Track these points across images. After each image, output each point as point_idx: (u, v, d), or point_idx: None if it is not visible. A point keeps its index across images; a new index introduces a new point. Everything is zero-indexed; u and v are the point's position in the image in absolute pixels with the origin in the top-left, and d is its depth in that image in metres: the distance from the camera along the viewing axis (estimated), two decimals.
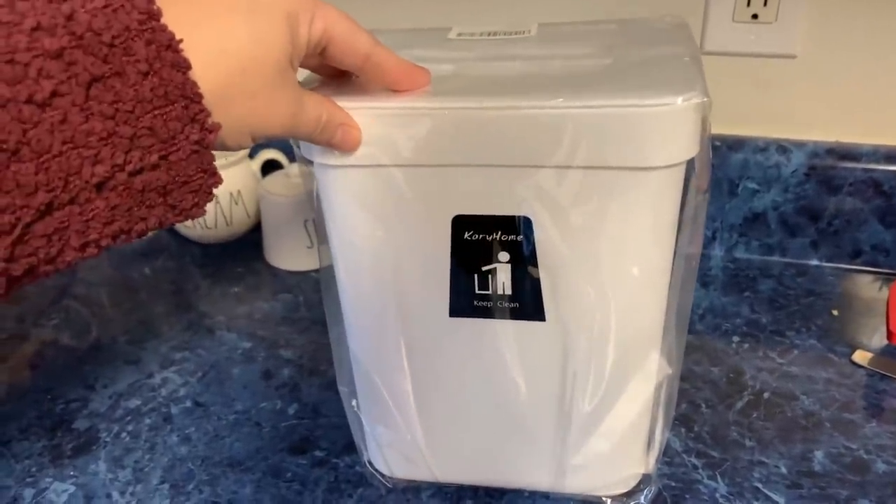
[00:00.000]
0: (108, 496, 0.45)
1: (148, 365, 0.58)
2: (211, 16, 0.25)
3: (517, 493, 0.45)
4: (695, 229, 0.36)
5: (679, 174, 0.34)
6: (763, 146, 0.65)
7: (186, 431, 0.50)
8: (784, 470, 0.46)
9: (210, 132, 0.25)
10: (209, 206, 0.71)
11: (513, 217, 0.34)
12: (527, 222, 0.34)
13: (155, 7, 0.24)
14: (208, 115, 0.25)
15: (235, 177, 0.73)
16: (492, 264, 0.36)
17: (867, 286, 0.65)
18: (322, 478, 0.46)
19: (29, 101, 0.21)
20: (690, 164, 0.34)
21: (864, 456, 0.47)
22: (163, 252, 0.74)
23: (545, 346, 0.38)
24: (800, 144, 0.64)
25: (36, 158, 0.21)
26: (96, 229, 0.24)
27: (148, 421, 0.52)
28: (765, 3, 0.61)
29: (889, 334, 0.55)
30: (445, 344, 0.39)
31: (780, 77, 0.64)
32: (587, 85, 0.33)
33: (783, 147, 0.65)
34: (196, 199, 0.27)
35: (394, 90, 0.33)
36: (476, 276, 0.36)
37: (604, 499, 0.44)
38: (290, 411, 0.52)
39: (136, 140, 0.23)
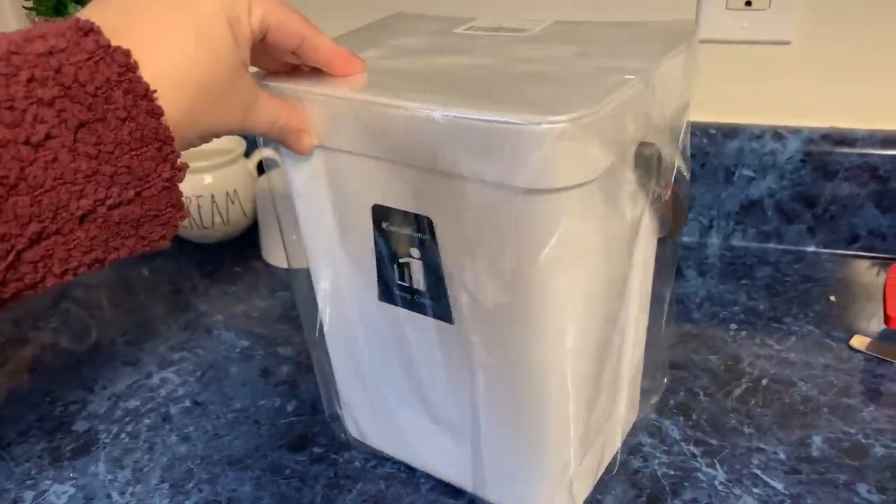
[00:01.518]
0: (108, 497, 0.45)
1: (146, 365, 0.58)
2: (165, 40, 0.28)
3: None
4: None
5: (562, 201, 0.30)
6: (758, 133, 0.65)
7: (185, 431, 0.51)
8: (783, 456, 0.46)
9: (179, 170, 0.28)
10: (206, 205, 0.72)
11: (418, 216, 0.35)
12: (429, 223, 0.34)
13: (132, 60, 0.26)
14: (178, 155, 0.28)
15: (231, 176, 0.73)
16: (406, 258, 0.37)
17: (864, 271, 0.65)
18: (321, 474, 0.46)
19: (26, 142, 0.24)
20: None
21: (863, 440, 0.47)
22: (160, 252, 0.74)
23: (454, 347, 0.37)
24: (795, 131, 0.64)
25: (31, 192, 0.24)
26: (76, 257, 0.27)
27: (147, 421, 0.52)
28: None
29: (886, 318, 0.55)
30: (377, 324, 0.41)
31: (774, 64, 0.64)
32: (491, 92, 0.32)
33: (778, 134, 0.64)
34: (164, 231, 0.29)
35: (329, 73, 0.35)
36: (395, 266, 0.37)
37: None
38: (289, 408, 0.52)
39: (116, 177, 0.26)
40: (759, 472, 0.45)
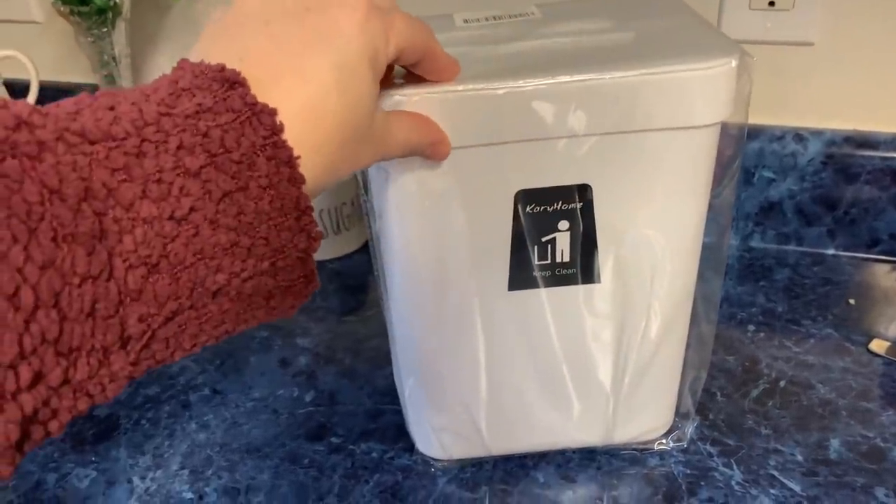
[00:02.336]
0: (129, 481, 0.46)
1: None
2: (308, 92, 0.26)
3: (548, 457, 0.45)
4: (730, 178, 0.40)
5: (717, 132, 0.37)
6: (780, 135, 0.64)
7: (205, 419, 0.51)
8: (800, 458, 0.46)
9: (315, 240, 0.26)
10: None
11: (573, 186, 0.36)
12: (586, 189, 0.37)
13: (279, 122, 0.24)
14: (315, 225, 0.26)
15: None
16: (552, 234, 0.38)
17: (884, 275, 0.64)
18: (339, 464, 0.47)
19: (171, 217, 0.22)
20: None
21: (881, 444, 0.47)
22: None
23: (600, 306, 0.40)
24: (817, 133, 0.64)
25: (171, 270, 0.23)
26: (207, 331, 0.25)
27: (167, 408, 0.52)
28: None
29: None
30: (504, 317, 0.40)
31: (796, 65, 0.63)
32: (633, 55, 0.35)
33: (800, 135, 0.64)
34: (293, 302, 0.28)
35: (439, 80, 0.34)
36: (536, 247, 0.38)
37: (648, 444, 0.47)
38: (307, 399, 0.53)
39: (253, 249, 0.24)
40: (776, 473, 0.45)
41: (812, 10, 0.61)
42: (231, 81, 0.24)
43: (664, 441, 0.47)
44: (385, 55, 0.29)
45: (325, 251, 0.70)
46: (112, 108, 0.23)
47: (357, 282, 0.68)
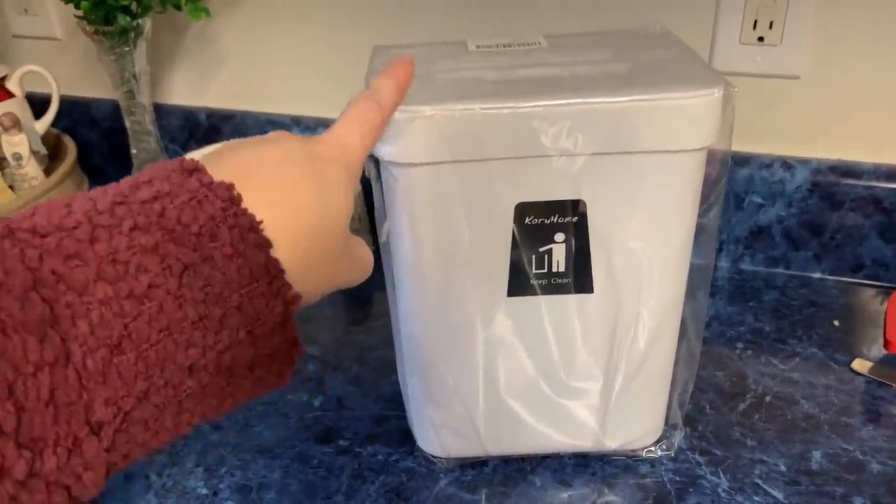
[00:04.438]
0: (146, 477, 0.48)
1: None
2: (284, 195, 0.27)
3: (547, 461, 0.48)
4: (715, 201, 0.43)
5: (702, 156, 0.40)
6: (768, 162, 0.68)
7: (218, 420, 0.53)
8: (783, 468, 0.49)
9: (292, 303, 0.26)
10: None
11: (567, 201, 0.39)
12: (579, 204, 0.40)
13: (235, 193, 0.25)
14: (290, 287, 0.26)
15: None
16: (548, 245, 0.40)
17: (868, 299, 0.67)
18: (347, 465, 0.49)
19: (129, 295, 0.22)
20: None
21: (860, 457, 0.49)
22: None
23: (593, 315, 0.43)
24: (803, 161, 0.67)
25: (136, 349, 0.22)
26: (189, 409, 0.25)
27: None
28: (770, 27, 0.64)
29: (886, 343, 0.58)
30: (502, 321, 0.43)
31: (784, 97, 0.67)
32: (625, 82, 0.39)
33: (787, 164, 0.67)
34: (280, 370, 0.27)
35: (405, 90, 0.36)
36: (534, 256, 0.41)
37: (637, 451, 0.49)
38: (316, 403, 0.55)
39: (226, 320, 0.24)
40: (760, 481, 0.48)
41: (799, 45, 0.65)
42: (189, 169, 0.25)
43: (653, 448, 0.49)
44: (361, 162, 0.32)
45: None
46: (68, 205, 0.24)
47: (363, 293, 0.70)
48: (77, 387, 0.21)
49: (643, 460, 0.49)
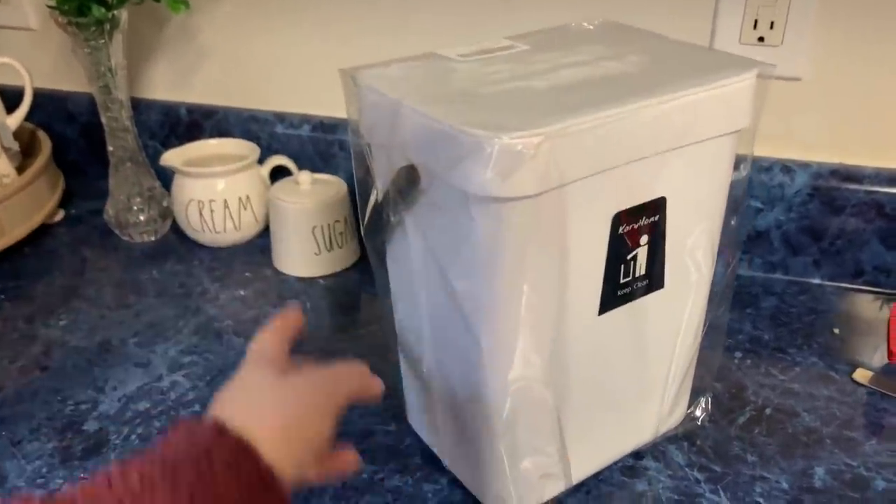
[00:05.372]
0: None
1: (157, 368, 0.58)
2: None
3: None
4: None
5: (738, 138, 0.42)
6: (767, 166, 0.66)
7: None
8: (785, 485, 0.47)
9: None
10: (218, 210, 0.72)
11: (654, 200, 0.39)
12: (663, 202, 0.40)
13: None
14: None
15: (244, 182, 0.74)
16: (635, 250, 0.40)
17: (868, 306, 0.66)
18: (329, 485, 0.47)
19: None
20: None
21: (865, 473, 0.48)
22: (171, 255, 0.75)
23: (662, 310, 0.44)
24: (804, 165, 0.65)
25: None
26: None
27: (157, 424, 0.52)
28: (771, 27, 0.62)
29: (889, 353, 0.56)
30: (592, 342, 0.42)
31: (785, 99, 0.65)
32: (675, 75, 0.39)
33: (787, 167, 0.66)
34: None
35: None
36: (622, 266, 0.40)
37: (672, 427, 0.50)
38: None
39: None
40: (761, 500, 0.46)
41: (801, 46, 0.63)
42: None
43: (696, 413, 0.52)
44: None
45: (318, 268, 0.70)
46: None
47: (349, 299, 0.68)
48: None
49: (641, 478, 0.47)
